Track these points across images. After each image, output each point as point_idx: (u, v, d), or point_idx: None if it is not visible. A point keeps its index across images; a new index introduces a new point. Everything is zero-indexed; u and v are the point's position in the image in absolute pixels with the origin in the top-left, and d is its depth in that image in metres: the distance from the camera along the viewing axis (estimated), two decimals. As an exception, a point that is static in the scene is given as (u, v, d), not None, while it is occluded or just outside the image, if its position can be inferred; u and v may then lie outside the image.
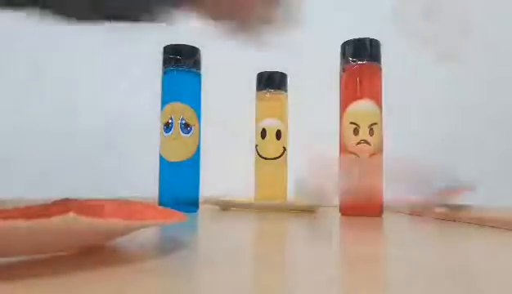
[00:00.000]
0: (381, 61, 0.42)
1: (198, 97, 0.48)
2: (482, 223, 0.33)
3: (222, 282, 0.13)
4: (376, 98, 0.41)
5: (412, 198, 0.39)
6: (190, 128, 0.47)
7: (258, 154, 0.55)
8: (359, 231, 0.31)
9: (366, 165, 0.40)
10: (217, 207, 0.54)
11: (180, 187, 0.47)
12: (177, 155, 0.46)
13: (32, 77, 0.82)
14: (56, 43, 0.83)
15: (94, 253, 0.19)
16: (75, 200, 0.20)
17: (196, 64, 0.48)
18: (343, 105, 0.41)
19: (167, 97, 0.47)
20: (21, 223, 0.13)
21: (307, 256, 0.19)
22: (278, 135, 0.54)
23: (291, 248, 0.24)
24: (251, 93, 0.57)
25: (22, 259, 0.16)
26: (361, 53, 0.41)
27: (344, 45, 0.42)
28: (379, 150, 0.41)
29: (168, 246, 0.23)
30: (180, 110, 0.46)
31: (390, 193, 0.42)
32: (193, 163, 0.47)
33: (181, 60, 0.47)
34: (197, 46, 0.48)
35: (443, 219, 0.39)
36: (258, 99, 0.56)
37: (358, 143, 0.40)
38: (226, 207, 0.54)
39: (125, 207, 0.19)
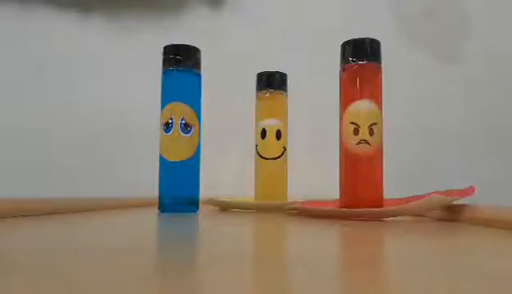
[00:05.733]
0: (381, 61, 0.42)
1: (198, 97, 0.48)
2: (484, 223, 0.33)
3: (222, 282, 0.13)
4: (376, 98, 0.41)
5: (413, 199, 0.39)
6: (190, 128, 0.47)
7: (258, 154, 0.55)
8: (360, 232, 0.31)
9: (366, 165, 0.40)
10: (217, 208, 0.54)
11: (180, 187, 0.47)
12: (177, 155, 0.46)
13: (32, 77, 0.82)
14: (56, 43, 0.83)
15: (99, 253, 0.19)
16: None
17: (196, 64, 0.48)
18: (343, 105, 0.41)
19: (167, 97, 0.47)
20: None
21: (307, 256, 0.19)
22: (278, 135, 0.54)
23: (291, 248, 0.24)
24: (251, 93, 0.57)
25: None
26: (361, 53, 0.41)
27: (344, 45, 0.42)
28: (379, 150, 0.41)
29: (168, 246, 0.23)
30: (180, 110, 0.46)
31: (390, 193, 0.42)
32: (193, 163, 0.47)
33: (181, 60, 0.47)
34: (197, 46, 0.48)
35: (444, 220, 0.39)
36: (258, 99, 0.56)
37: (358, 143, 0.40)
38: (226, 207, 0.54)
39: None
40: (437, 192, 0.37)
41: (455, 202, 0.38)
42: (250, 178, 0.55)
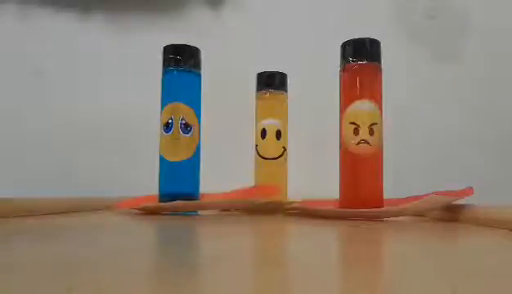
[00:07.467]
0: (381, 61, 0.42)
1: (198, 97, 0.48)
2: (484, 223, 0.33)
3: (221, 283, 0.13)
4: (376, 98, 0.41)
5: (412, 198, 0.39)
6: (190, 128, 0.47)
7: (258, 154, 0.55)
8: (360, 232, 0.31)
9: (366, 165, 0.40)
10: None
11: (180, 187, 0.47)
12: (177, 155, 0.46)
13: (32, 77, 0.82)
14: (55, 43, 0.83)
15: (99, 254, 0.19)
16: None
17: (196, 64, 0.48)
18: (343, 105, 0.41)
19: (167, 97, 0.47)
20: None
21: (307, 256, 0.19)
22: (278, 135, 0.54)
23: (291, 248, 0.24)
24: (251, 93, 0.57)
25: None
26: (361, 53, 0.41)
27: (344, 45, 0.42)
28: (379, 150, 0.41)
29: (168, 246, 0.23)
30: (180, 110, 0.46)
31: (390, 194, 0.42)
32: (193, 163, 0.47)
33: (181, 60, 0.47)
34: (197, 46, 0.48)
35: (444, 220, 0.39)
36: (258, 99, 0.56)
37: (358, 143, 0.40)
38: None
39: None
40: (436, 192, 0.37)
41: (454, 203, 0.38)
42: (250, 178, 0.55)
